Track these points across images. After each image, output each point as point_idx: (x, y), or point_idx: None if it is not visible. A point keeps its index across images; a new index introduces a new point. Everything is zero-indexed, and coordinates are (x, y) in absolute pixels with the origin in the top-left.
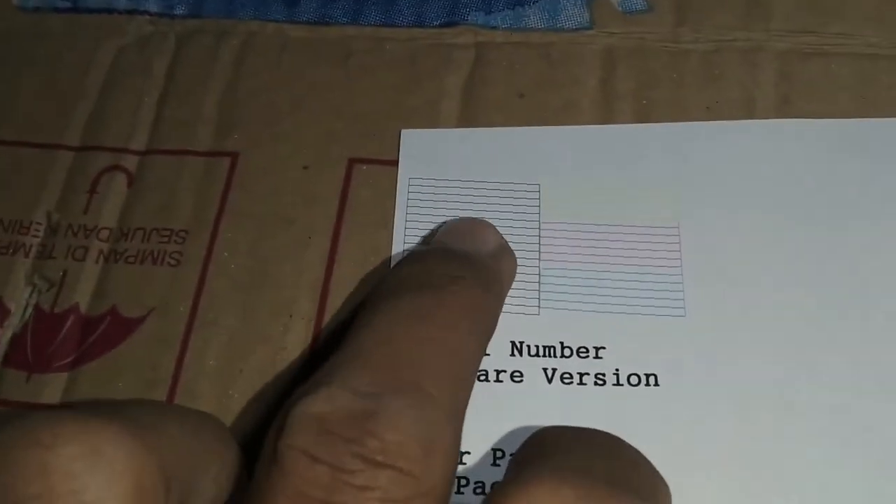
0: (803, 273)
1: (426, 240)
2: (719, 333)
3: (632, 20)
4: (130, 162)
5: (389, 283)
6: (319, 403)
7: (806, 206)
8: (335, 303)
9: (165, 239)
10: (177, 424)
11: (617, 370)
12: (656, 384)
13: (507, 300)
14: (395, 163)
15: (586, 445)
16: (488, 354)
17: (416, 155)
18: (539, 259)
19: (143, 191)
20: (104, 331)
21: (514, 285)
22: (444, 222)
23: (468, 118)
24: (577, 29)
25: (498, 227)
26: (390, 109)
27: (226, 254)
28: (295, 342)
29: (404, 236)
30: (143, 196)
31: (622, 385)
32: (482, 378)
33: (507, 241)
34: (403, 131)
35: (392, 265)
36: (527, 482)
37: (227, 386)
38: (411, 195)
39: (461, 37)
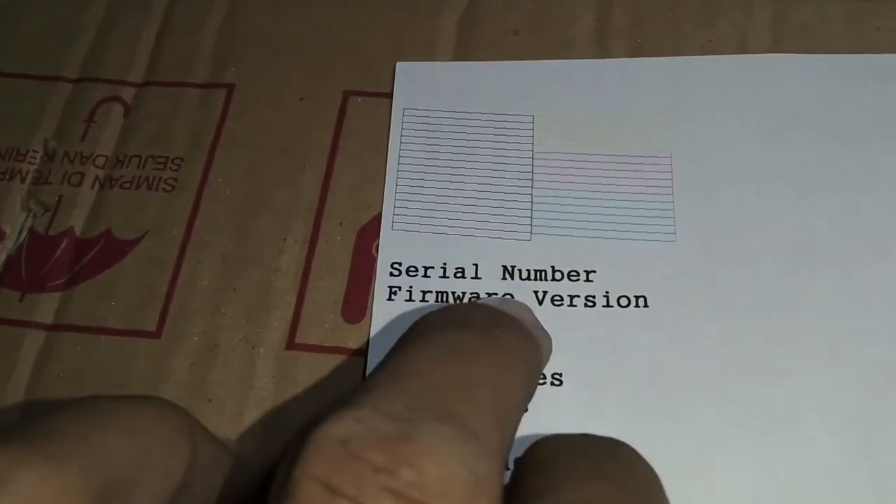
0: (792, 200)
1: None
2: (709, 258)
3: None
4: (128, 93)
5: (430, 319)
6: (345, 424)
7: (796, 137)
8: (329, 228)
9: (161, 166)
10: (117, 428)
11: (607, 293)
12: (645, 305)
13: (499, 227)
14: (390, 95)
15: (586, 468)
16: (479, 278)
17: (411, 87)
18: (532, 188)
19: (139, 120)
20: (98, 252)
21: (506, 212)
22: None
23: (463, 54)
24: None
25: (491, 157)
26: (386, 45)
27: (220, 180)
28: (288, 264)
29: (398, 165)
30: (140, 125)
31: (612, 307)
32: (473, 300)
33: (540, 324)
34: (399, 64)
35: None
36: None
37: (220, 304)
38: (405, 125)
39: None
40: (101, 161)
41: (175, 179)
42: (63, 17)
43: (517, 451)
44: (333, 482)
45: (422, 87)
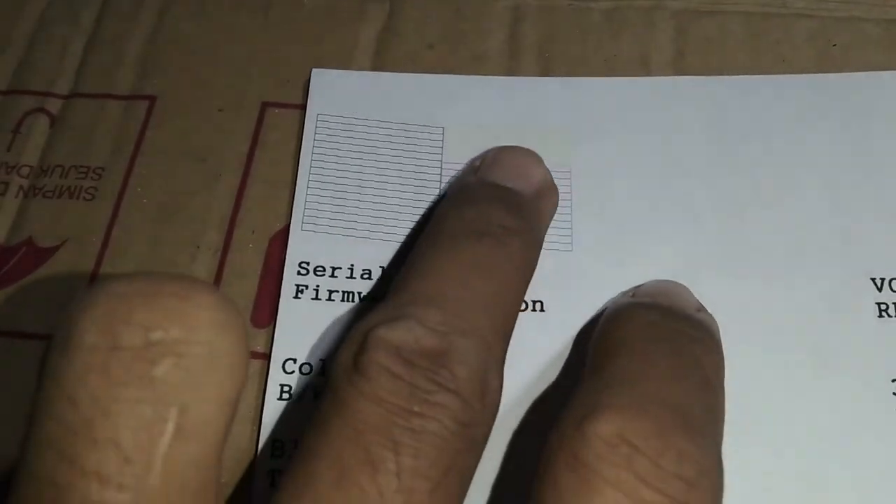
0: (684, 216)
1: (471, 166)
2: (603, 266)
3: None
4: (54, 105)
5: (449, 224)
6: (400, 332)
7: (687, 155)
8: (242, 235)
9: (82, 175)
10: None
11: None
12: (542, 310)
13: (406, 229)
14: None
15: (661, 352)
16: (385, 280)
17: (325, 94)
18: (440, 193)
19: (63, 131)
20: (19, 260)
21: (414, 218)
22: (491, 148)
23: (379, 67)
24: None
25: (402, 165)
26: (305, 57)
27: (139, 189)
28: (201, 271)
29: (310, 167)
30: (64, 136)
31: None
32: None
33: (550, 175)
34: (314, 70)
35: (445, 193)
36: (604, 408)
37: None
38: (318, 130)
39: None
40: (25, 171)
41: (95, 188)
42: None
43: None
44: (394, 370)
45: (336, 94)
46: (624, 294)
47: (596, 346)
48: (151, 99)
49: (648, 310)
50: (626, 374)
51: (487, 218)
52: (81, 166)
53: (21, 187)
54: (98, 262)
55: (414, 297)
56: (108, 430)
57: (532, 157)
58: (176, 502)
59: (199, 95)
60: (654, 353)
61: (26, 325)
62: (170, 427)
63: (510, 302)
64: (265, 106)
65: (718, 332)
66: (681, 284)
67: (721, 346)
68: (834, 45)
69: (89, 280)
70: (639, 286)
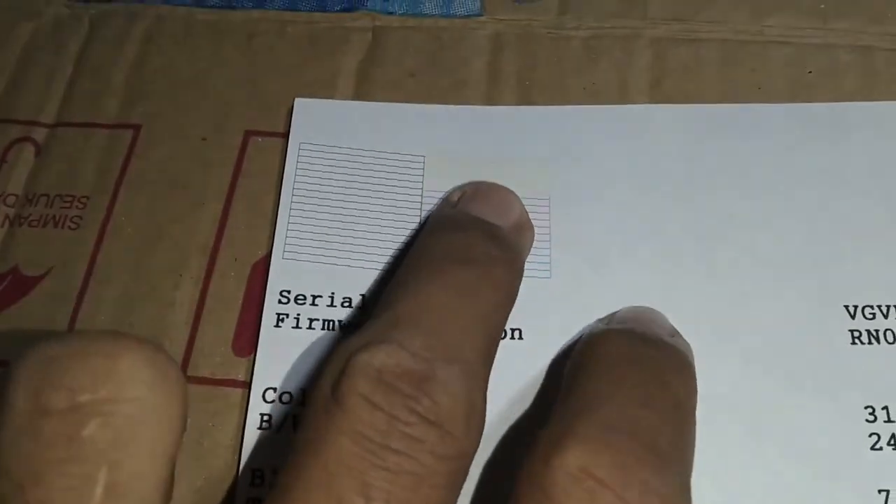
0: (661, 244)
1: (444, 201)
2: (581, 295)
3: (520, 8)
4: (39, 134)
5: (433, 250)
6: (381, 357)
7: (667, 184)
8: (223, 264)
9: (67, 204)
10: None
11: None
12: (521, 338)
13: (386, 259)
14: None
15: (629, 381)
16: (365, 308)
17: (308, 123)
18: (420, 223)
19: (49, 160)
20: (5, 288)
21: (394, 245)
22: (469, 182)
23: (361, 95)
24: (468, 16)
25: (383, 194)
26: (288, 86)
27: (123, 218)
28: (183, 299)
29: (291, 196)
30: (49, 165)
31: None
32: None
33: (527, 212)
34: (297, 100)
35: (426, 223)
36: (570, 440)
37: None
38: (301, 159)
39: (359, 21)
40: (11, 200)
41: (80, 217)
42: None
43: None
44: (373, 398)
45: (318, 123)
46: (599, 321)
47: (568, 372)
48: (136, 127)
49: (620, 335)
50: (595, 401)
51: (472, 246)
52: (67, 195)
53: (7, 216)
54: (83, 290)
55: (397, 321)
56: (40, 493)
57: (510, 193)
58: None
59: (183, 124)
60: (623, 378)
61: (7, 354)
62: (99, 488)
63: (494, 327)
64: (248, 134)
65: (692, 357)
66: (655, 310)
67: (694, 371)
68: (809, 72)
69: (73, 309)
70: (614, 313)
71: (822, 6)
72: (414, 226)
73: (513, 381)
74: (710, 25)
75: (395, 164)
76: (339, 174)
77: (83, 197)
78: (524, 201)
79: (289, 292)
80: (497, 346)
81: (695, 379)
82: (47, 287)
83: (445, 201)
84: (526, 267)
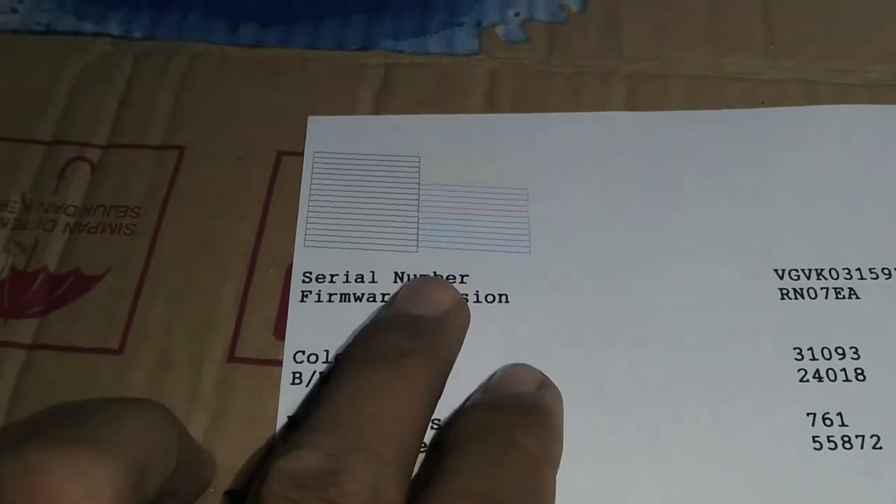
0: (621, 226)
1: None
2: (556, 266)
3: (513, 48)
4: (93, 154)
5: (354, 353)
6: (293, 462)
7: (629, 177)
8: (262, 265)
9: (122, 214)
10: (134, 430)
11: (477, 291)
12: (507, 301)
13: (392, 241)
14: None
15: (478, 452)
16: (376, 282)
17: (320, 136)
18: (418, 211)
19: (104, 176)
20: (69, 285)
21: (397, 230)
22: (405, 283)
23: None
24: (468, 54)
25: (386, 188)
26: (312, 113)
27: (172, 226)
28: (228, 295)
29: (309, 194)
30: (104, 180)
31: (480, 302)
32: (370, 300)
33: (461, 297)
34: (310, 118)
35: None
36: None
37: (171, 328)
38: (315, 166)
39: (373, 58)
40: (71, 210)
41: (134, 225)
42: (36, 89)
43: None
44: (288, 495)
45: (329, 135)
46: (479, 387)
47: (441, 444)
48: (181, 149)
49: (482, 409)
50: (448, 474)
51: (385, 344)
52: (121, 206)
53: (68, 224)
54: (139, 288)
55: (312, 427)
56: None
57: (440, 283)
58: None
59: (222, 145)
60: (473, 452)
61: (77, 341)
62: None
63: (408, 418)
64: (280, 154)
65: (557, 403)
66: (526, 366)
67: (552, 421)
68: (762, 103)
69: (130, 304)
70: (492, 375)
71: (772, 47)
72: (414, 212)
73: (499, 338)
74: (677, 64)
75: (395, 164)
76: (348, 174)
77: (136, 207)
78: (505, 191)
79: (310, 273)
80: (417, 434)
81: (555, 428)
82: (107, 284)
83: (385, 303)
84: (509, 244)
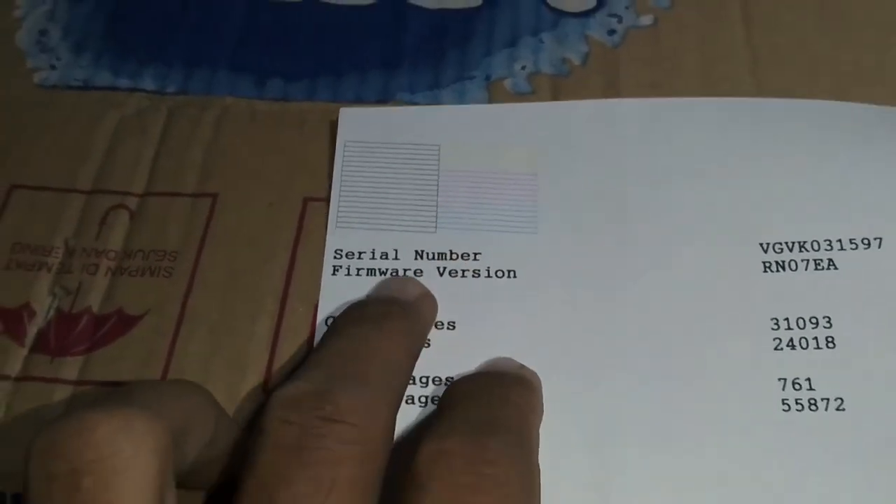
0: (620, 207)
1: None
2: (559, 246)
3: (520, 98)
4: (132, 202)
5: (339, 320)
6: (289, 390)
7: (628, 169)
8: (293, 303)
9: (160, 258)
10: (172, 398)
11: (488, 267)
12: (515, 277)
13: (413, 223)
14: None
15: (476, 398)
16: (399, 259)
17: (350, 127)
18: (437, 195)
19: (142, 223)
20: (112, 325)
21: (417, 212)
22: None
23: None
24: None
25: (409, 173)
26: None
27: (208, 268)
28: (261, 332)
29: (340, 183)
30: (143, 227)
31: (491, 277)
32: (393, 274)
33: (428, 291)
34: (341, 109)
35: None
36: (424, 442)
37: (208, 363)
38: (346, 154)
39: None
40: (112, 255)
41: (172, 268)
42: (75, 142)
43: None
44: (286, 418)
45: (359, 125)
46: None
47: (441, 399)
48: (214, 196)
49: (468, 378)
50: (444, 423)
51: (367, 311)
52: (159, 250)
53: (109, 268)
54: (178, 326)
55: (304, 368)
56: None
57: (411, 279)
58: None
59: (253, 192)
60: (467, 408)
61: (120, 376)
62: None
63: (391, 360)
64: (306, 200)
65: (537, 381)
66: (505, 358)
67: (535, 388)
68: None
69: (170, 342)
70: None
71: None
72: (433, 196)
73: (507, 308)
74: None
75: (417, 152)
76: (375, 161)
77: (173, 251)
78: (516, 176)
79: (341, 250)
80: (403, 375)
81: (535, 394)
82: (147, 324)
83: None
84: (515, 226)
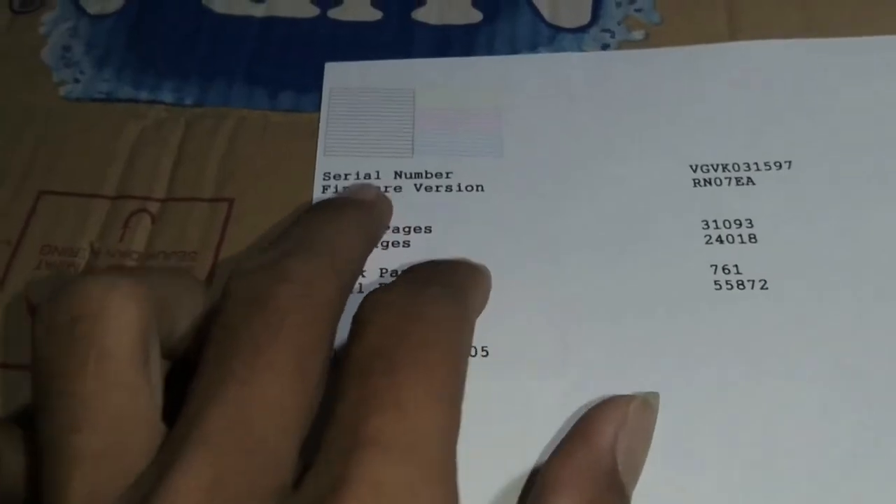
0: (575, 139)
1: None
2: (522, 165)
3: None
4: (153, 206)
5: (298, 216)
6: (248, 262)
7: (582, 104)
8: None
9: (181, 258)
10: (160, 275)
11: (459, 183)
12: (482, 190)
13: (391, 148)
14: None
15: (425, 267)
16: (380, 179)
17: (336, 76)
18: (413, 126)
19: (163, 226)
20: None
21: (395, 140)
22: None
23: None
24: None
25: (388, 113)
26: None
27: (225, 267)
28: None
29: (327, 120)
30: (164, 230)
31: (462, 191)
32: None
33: (384, 195)
34: (327, 64)
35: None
36: (373, 291)
37: None
38: (332, 99)
39: None
40: (135, 256)
41: (192, 266)
42: (98, 151)
43: None
44: (245, 278)
45: (343, 75)
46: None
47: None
48: (230, 200)
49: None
50: (399, 278)
51: (325, 203)
52: (179, 251)
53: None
54: None
55: (265, 250)
56: (55, 365)
57: (367, 183)
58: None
59: (267, 197)
60: (420, 269)
61: None
62: (92, 354)
63: (344, 240)
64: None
65: (486, 271)
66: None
67: (483, 273)
68: None
69: None
70: None
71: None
72: (409, 126)
73: (476, 218)
74: None
75: (394, 93)
76: (357, 104)
77: (192, 252)
78: (482, 113)
79: (329, 173)
80: (356, 253)
81: (481, 274)
82: None
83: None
84: (482, 150)
